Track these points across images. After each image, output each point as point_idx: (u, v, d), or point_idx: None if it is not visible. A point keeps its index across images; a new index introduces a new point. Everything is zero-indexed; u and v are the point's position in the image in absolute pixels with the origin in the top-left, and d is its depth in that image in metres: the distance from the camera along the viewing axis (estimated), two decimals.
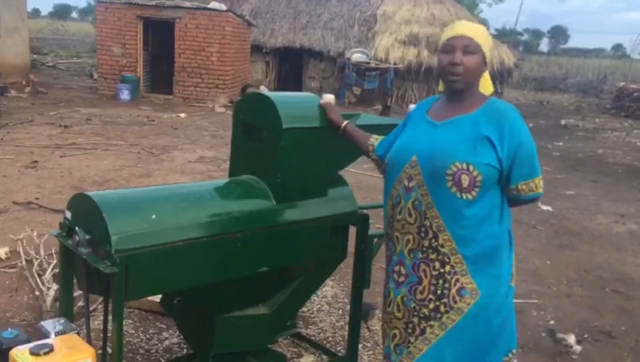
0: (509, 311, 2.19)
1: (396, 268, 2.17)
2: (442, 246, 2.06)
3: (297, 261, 2.75)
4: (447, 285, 2.06)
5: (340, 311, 3.89)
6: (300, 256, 2.73)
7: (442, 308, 2.07)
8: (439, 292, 2.07)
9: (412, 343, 2.13)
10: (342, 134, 2.59)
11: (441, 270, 2.07)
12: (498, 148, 2.02)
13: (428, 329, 2.10)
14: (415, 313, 2.11)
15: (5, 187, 6.29)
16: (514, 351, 2.21)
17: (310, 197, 2.68)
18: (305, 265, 2.84)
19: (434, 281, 2.08)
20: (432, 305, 2.08)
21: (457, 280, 2.06)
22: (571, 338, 3.64)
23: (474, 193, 2.02)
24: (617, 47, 79.25)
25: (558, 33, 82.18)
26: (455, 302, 2.06)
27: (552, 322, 4.05)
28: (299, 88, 18.24)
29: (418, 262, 2.11)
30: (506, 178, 2.07)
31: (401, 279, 2.15)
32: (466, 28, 2.11)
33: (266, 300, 2.80)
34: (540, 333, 3.87)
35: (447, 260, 2.06)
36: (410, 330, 2.13)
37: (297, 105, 2.75)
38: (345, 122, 2.60)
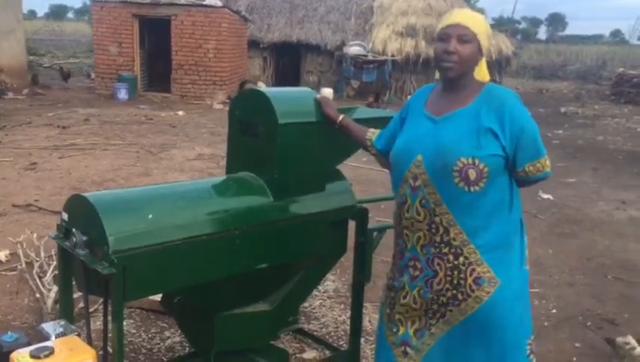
0: (527, 296, 2.21)
1: (410, 263, 2.18)
2: (454, 239, 2.07)
3: (297, 256, 2.74)
4: (462, 275, 2.08)
5: (342, 306, 3.89)
6: (299, 252, 2.72)
7: (460, 296, 2.10)
8: (455, 282, 2.09)
9: (434, 325, 2.16)
10: (338, 129, 2.58)
11: (455, 262, 2.08)
12: (500, 137, 2.02)
13: (448, 313, 2.13)
14: (434, 301, 2.14)
15: (4, 189, 6.29)
16: (532, 337, 2.23)
17: (308, 192, 2.67)
18: (304, 261, 2.83)
19: (449, 273, 2.10)
20: (449, 294, 2.11)
21: (473, 270, 2.07)
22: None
23: (481, 184, 2.02)
24: (616, 33, 79.15)
25: (556, 20, 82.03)
26: (472, 291, 2.08)
27: (554, 311, 4.05)
28: (297, 83, 18.19)
29: (432, 256, 2.12)
30: (512, 162, 2.07)
31: (417, 273, 2.17)
32: (462, 16, 2.09)
33: (267, 297, 2.79)
34: (543, 322, 3.86)
35: (460, 252, 2.07)
36: (430, 315, 2.17)
37: (293, 100, 2.74)
38: (340, 117, 2.58)
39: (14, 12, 16.15)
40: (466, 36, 2.07)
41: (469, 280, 2.07)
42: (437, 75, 2.20)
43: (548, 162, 2.12)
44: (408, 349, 2.22)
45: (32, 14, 59.41)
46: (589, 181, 8.26)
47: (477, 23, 2.09)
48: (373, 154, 2.47)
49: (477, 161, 1.99)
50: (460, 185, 2.02)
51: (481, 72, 2.16)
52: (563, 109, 16.59)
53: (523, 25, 75.34)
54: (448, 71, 2.09)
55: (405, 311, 2.22)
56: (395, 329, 2.27)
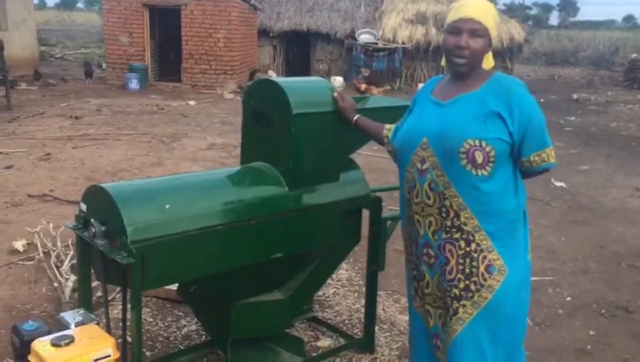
0: (529, 286, 2.22)
1: (424, 251, 2.19)
2: (465, 224, 2.07)
3: (311, 246, 2.76)
4: (474, 263, 2.08)
5: (356, 294, 3.91)
6: (314, 241, 2.74)
7: (473, 287, 2.09)
8: (467, 271, 2.09)
9: (448, 324, 2.17)
10: (354, 128, 2.59)
11: (467, 248, 2.08)
12: (508, 123, 2.03)
13: (461, 309, 2.12)
14: (447, 293, 2.14)
15: (20, 180, 6.35)
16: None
17: (322, 182, 2.69)
18: (319, 250, 2.85)
19: (461, 261, 2.10)
20: (462, 285, 2.11)
21: (484, 257, 2.08)
22: None
23: (488, 168, 2.03)
24: (628, 19, 78.10)
25: (568, 6, 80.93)
26: (485, 280, 2.08)
27: (568, 299, 4.05)
28: (307, 71, 18.15)
29: (443, 242, 2.12)
30: (517, 151, 2.08)
31: (432, 261, 2.18)
32: (474, 10, 2.07)
33: (282, 286, 2.82)
34: (557, 310, 3.86)
35: (472, 238, 2.07)
36: (447, 311, 2.17)
37: (307, 90, 2.75)
38: (355, 117, 2.59)
39: (25, 2, 16.21)
40: (478, 31, 2.06)
41: (482, 268, 2.08)
42: (443, 62, 2.21)
43: (553, 152, 2.12)
44: (439, 343, 2.25)
45: (42, 4, 59.57)
46: (602, 168, 8.21)
47: (488, 16, 2.08)
48: (389, 151, 2.47)
49: (484, 144, 2.00)
50: (467, 167, 2.03)
51: (487, 61, 2.17)
52: (575, 96, 16.43)
53: (534, 11, 74.57)
54: (459, 66, 2.10)
55: (433, 300, 2.23)
56: (427, 321, 2.28)
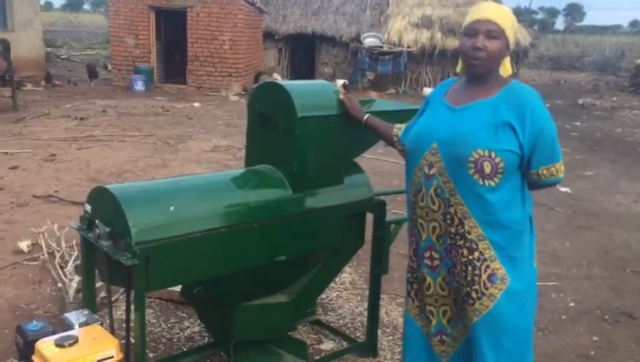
0: (535, 294, 2.22)
1: (426, 254, 2.19)
2: (469, 232, 2.07)
3: (315, 249, 2.77)
4: (476, 271, 2.07)
5: (359, 298, 3.91)
6: (318, 244, 2.74)
7: (474, 295, 2.09)
8: (469, 278, 2.09)
9: (461, 318, 2.17)
10: (364, 128, 2.60)
11: (470, 257, 2.08)
12: (519, 134, 2.01)
13: (463, 312, 2.14)
14: (458, 292, 2.15)
15: (25, 180, 6.38)
16: None
17: (326, 185, 2.69)
18: (322, 253, 2.85)
19: (463, 268, 2.09)
20: (463, 290, 2.11)
21: (487, 266, 2.07)
22: None
23: (496, 180, 2.02)
24: (634, 24, 77.95)
25: (574, 10, 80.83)
26: (487, 289, 2.07)
27: (572, 304, 4.03)
28: (312, 74, 18.15)
29: (449, 247, 2.13)
30: (526, 163, 2.06)
31: (436, 263, 2.17)
32: (490, 12, 2.06)
33: (285, 288, 2.82)
34: (561, 316, 3.85)
35: (475, 246, 2.07)
36: (459, 305, 2.17)
37: (312, 93, 2.76)
38: (366, 116, 2.59)
39: (32, 3, 16.29)
40: (494, 32, 2.05)
41: (484, 277, 2.07)
42: (458, 67, 2.20)
43: (562, 168, 2.12)
44: (445, 337, 2.24)
45: (48, 6, 59.80)
46: (606, 174, 8.18)
47: (505, 18, 2.07)
48: (400, 150, 2.46)
49: (493, 155, 1.99)
50: (474, 176, 2.02)
51: (505, 67, 2.16)
52: (581, 101, 16.39)
53: (540, 15, 74.53)
54: (476, 67, 2.08)
55: (435, 300, 2.23)
56: (427, 321, 2.28)
